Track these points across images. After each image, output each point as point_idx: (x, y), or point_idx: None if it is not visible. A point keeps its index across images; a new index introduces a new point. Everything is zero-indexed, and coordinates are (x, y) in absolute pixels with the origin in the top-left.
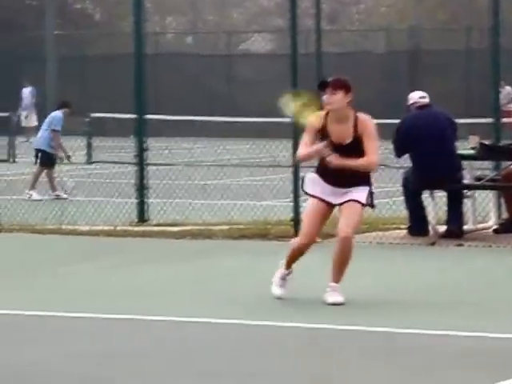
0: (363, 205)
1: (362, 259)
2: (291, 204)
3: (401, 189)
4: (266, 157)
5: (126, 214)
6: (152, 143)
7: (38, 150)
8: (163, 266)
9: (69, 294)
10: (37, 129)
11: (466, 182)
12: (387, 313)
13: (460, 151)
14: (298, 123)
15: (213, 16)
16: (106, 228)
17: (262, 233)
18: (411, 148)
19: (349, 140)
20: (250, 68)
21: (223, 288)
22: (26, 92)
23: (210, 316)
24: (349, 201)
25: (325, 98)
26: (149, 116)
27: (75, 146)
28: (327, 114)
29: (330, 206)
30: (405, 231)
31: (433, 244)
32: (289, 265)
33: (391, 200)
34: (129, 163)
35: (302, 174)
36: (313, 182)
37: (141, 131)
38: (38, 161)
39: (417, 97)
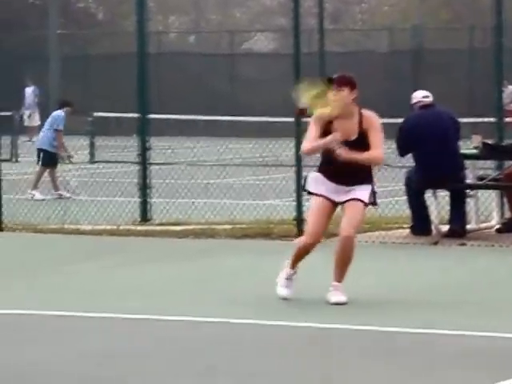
0: (366, 204)
1: (365, 258)
2: (294, 203)
3: (403, 188)
4: (268, 156)
5: (128, 213)
6: (155, 142)
7: (40, 150)
8: (166, 266)
9: (70, 293)
10: (39, 128)
11: (468, 181)
12: (389, 312)
13: (463, 150)
14: (311, 114)
15: (216, 15)
16: (108, 227)
17: (264, 232)
18: (414, 147)
19: (354, 136)
20: (252, 67)
21: (225, 287)
22: (29, 91)
23: (211, 316)
24: (352, 199)
25: (330, 95)
26: (151, 115)
27: (78, 145)
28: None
29: (334, 204)
30: (407, 231)
31: (435, 243)
32: (294, 264)
33: (394, 199)
34: (132, 162)
35: (304, 174)
36: (316, 181)
37: (144, 130)
38: (40, 161)
39: (420, 96)
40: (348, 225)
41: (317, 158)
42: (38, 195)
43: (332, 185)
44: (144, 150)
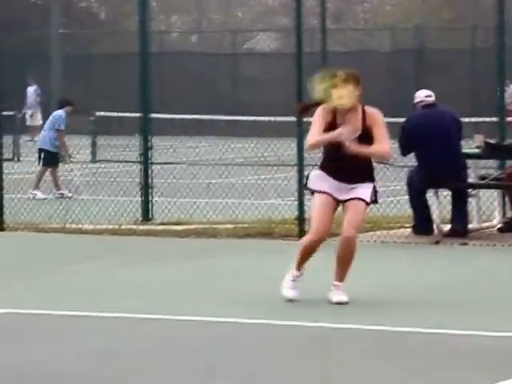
0: (367, 203)
1: (366, 258)
2: (296, 203)
3: (405, 187)
4: (270, 156)
5: (130, 212)
6: (156, 142)
7: (41, 150)
8: (167, 265)
9: (71, 293)
10: (41, 128)
11: (470, 180)
12: (390, 312)
13: (465, 150)
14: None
15: (218, 15)
16: (110, 227)
17: (266, 232)
18: (416, 147)
19: (358, 133)
20: (254, 67)
21: (227, 287)
22: (31, 91)
23: (211, 315)
24: (354, 199)
25: (335, 92)
26: (153, 115)
27: (80, 144)
28: (335, 107)
29: (337, 202)
30: (409, 230)
31: (437, 243)
32: (300, 265)
33: (395, 199)
34: (133, 162)
35: (306, 174)
36: (318, 178)
37: (145, 130)
38: (41, 161)
39: (423, 95)
40: (349, 225)
41: (318, 158)
42: (39, 195)
43: (335, 182)
44: (146, 150)
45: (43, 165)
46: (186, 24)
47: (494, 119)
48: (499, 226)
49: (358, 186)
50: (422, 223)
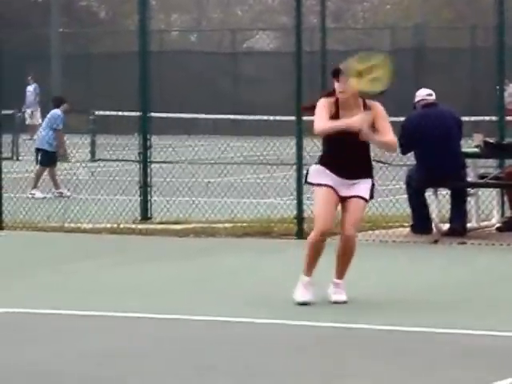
0: (367, 200)
1: (365, 257)
2: (295, 202)
3: (404, 187)
4: (269, 154)
5: (129, 211)
6: (156, 141)
7: (38, 150)
8: (166, 264)
9: (70, 292)
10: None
11: (469, 179)
12: (389, 312)
13: (464, 149)
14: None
15: (217, 14)
16: (109, 226)
17: (265, 231)
18: (416, 146)
19: (356, 127)
20: (254, 66)
21: (226, 286)
22: (30, 89)
23: (211, 314)
24: (354, 197)
25: (337, 85)
26: (153, 114)
27: (79, 143)
28: (337, 101)
29: (338, 196)
30: (408, 229)
31: (436, 242)
32: (309, 269)
33: (394, 198)
34: (132, 161)
35: (305, 172)
36: (318, 172)
37: (145, 129)
38: (39, 160)
39: (424, 94)
40: (350, 224)
41: (318, 157)
42: (38, 194)
43: (335, 177)
44: (145, 149)
45: (41, 165)
46: (185, 23)
47: (494, 118)
48: (498, 225)
49: (358, 181)
50: (421, 222)
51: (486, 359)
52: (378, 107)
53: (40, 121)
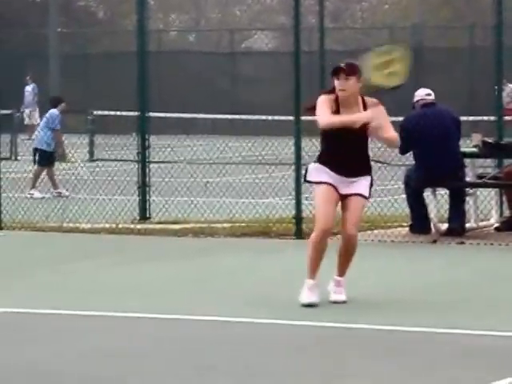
0: (366, 198)
1: (364, 257)
2: (293, 202)
3: (402, 186)
4: (268, 154)
5: (127, 211)
6: (154, 141)
7: (36, 150)
8: (165, 264)
9: (69, 292)
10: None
11: (468, 179)
12: (389, 311)
13: (462, 149)
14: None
15: (216, 14)
16: (107, 226)
17: (264, 231)
18: (415, 145)
19: (359, 124)
20: (252, 66)
21: (224, 286)
22: (29, 89)
23: (211, 314)
24: (354, 195)
25: (338, 83)
26: (151, 113)
27: (78, 143)
28: (337, 99)
29: (338, 194)
30: (406, 229)
31: (434, 242)
32: (313, 271)
33: (393, 198)
34: (131, 161)
35: (303, 173)
36: (317, 170)
37: (143, 129)
38: (37, 161)
39: (423, 94)
40: (351, 223)
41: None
42: (36, 194)
43: (335, 175)
44: (144, 149)
45: (39, 165)
46: (183, 23)
47: (492, 118)
48: (496, 225)
49: (357, 179)
50: (420, 222)
51: (486, 359)
52: (378, 105)
53: (38, 121)
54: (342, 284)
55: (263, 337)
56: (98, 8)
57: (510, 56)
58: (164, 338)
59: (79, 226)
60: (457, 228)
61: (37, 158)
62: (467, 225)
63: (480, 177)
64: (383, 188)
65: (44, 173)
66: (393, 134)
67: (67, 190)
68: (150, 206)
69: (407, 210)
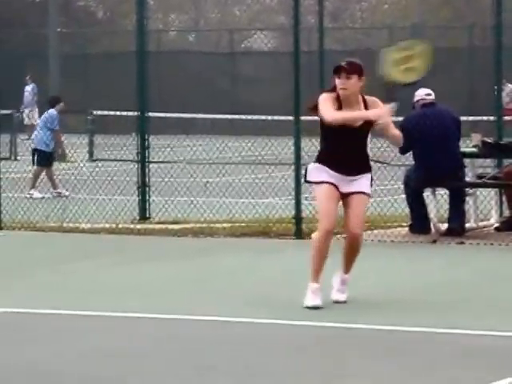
0: (368, 195)
1: (364, 257)
2: (293, 202)
3: (402, 186)
4: (267, 154)
5: (127, 211)
6: (154, 141)
7: (35, 150)
8: (164, 264)
9: (69, 292)
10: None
11: (468, 179)
12: (389, 311)
13: (462, 149)
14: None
15: (215, 14)
16: (107, 226)
17: (263, 231)
18: (415, 145)
19: (360, 122)
20: (252, 66)
21: (224, 286)
22: (28, 89)
23: (210, 314)
24: (356, 193)
25: (339, 82)
26: (151, 113)
27: (77, 143)
28: (338, 97)
29: (339, 192)
30: (406, 229)
31: (434, 242)
32: (316, 275)
33: (393, 198)
34: (131, 161)
35: (303, 173)
36: (318, 170)
37: (143, 129)
38: (36, 161)
39: (423, 94)
40: (356, 223)
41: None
42: (36, 194)
43: (335, 174)
44: (143, 149)
45: (38, 165)
46: (183, 23)
47: (492, 118)
48: (496, 225)
49: (357, 177)
50: (419, 222)
51: (486, 359)
52: (377, 103)
53: (38, 121)
54: (346, 282)
55: (263, 337)
56: (98, 8)
57: (509, 56)
58: (164, 337)
59: (79, 226)
60: (457, 228)
61: (36, 158)
62: (467, 225)
63: (480, 177)
64: (383, 188)
65: (43, 173)
66: (397, 131)
67: (67, 189)
68: (149, 206)
69: (407, 210)
